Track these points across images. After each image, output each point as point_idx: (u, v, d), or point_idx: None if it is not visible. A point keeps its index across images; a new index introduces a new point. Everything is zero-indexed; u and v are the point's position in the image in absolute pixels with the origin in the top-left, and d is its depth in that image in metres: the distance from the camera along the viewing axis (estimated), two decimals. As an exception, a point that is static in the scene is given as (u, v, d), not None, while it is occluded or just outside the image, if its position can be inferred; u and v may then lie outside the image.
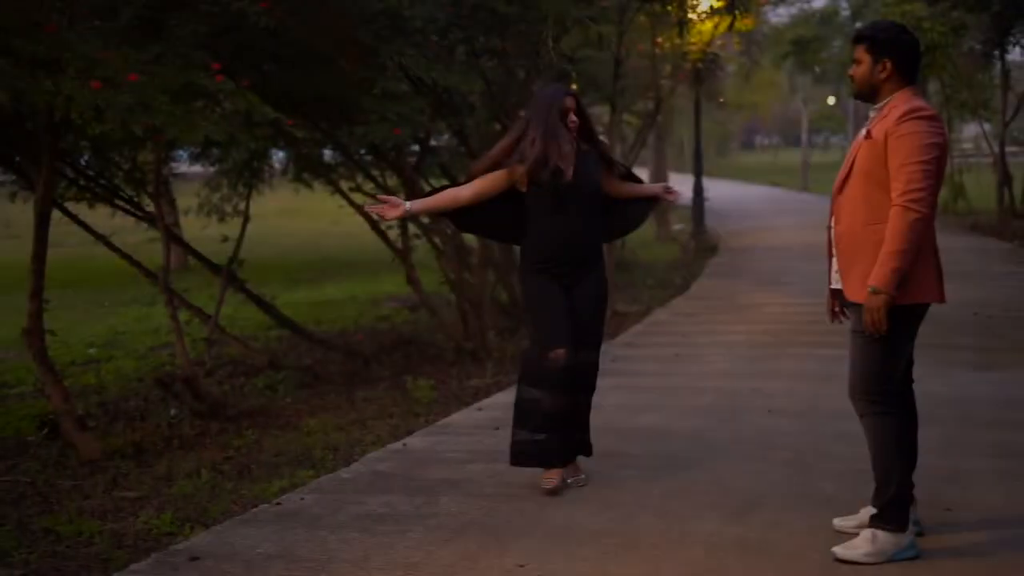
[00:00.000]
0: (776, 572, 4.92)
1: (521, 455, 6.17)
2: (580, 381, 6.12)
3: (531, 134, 5.99)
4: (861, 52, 5.07)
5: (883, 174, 4.89)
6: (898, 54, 5.00)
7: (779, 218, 27.00)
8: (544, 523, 5.63)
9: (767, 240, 21.84)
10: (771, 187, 46.26)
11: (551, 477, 6.11)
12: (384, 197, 5.94)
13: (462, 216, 6.33)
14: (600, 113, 18.75)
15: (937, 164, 4.85)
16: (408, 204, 6.03)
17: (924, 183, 4.79)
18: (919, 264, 4.92)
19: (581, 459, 6.34)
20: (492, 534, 5.48)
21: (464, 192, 6.08)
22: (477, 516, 5.77)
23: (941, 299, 5.09)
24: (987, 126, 27.19)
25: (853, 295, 5.00)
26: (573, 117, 6.10)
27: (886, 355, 5.01)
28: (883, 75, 5.02)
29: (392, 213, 5.97)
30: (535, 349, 6.11)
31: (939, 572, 4.89)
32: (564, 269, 6.10)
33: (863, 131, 5.10)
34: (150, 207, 9.93)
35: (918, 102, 4.93)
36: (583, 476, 6.26)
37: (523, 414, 6.12)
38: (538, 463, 6.15)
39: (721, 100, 33.35)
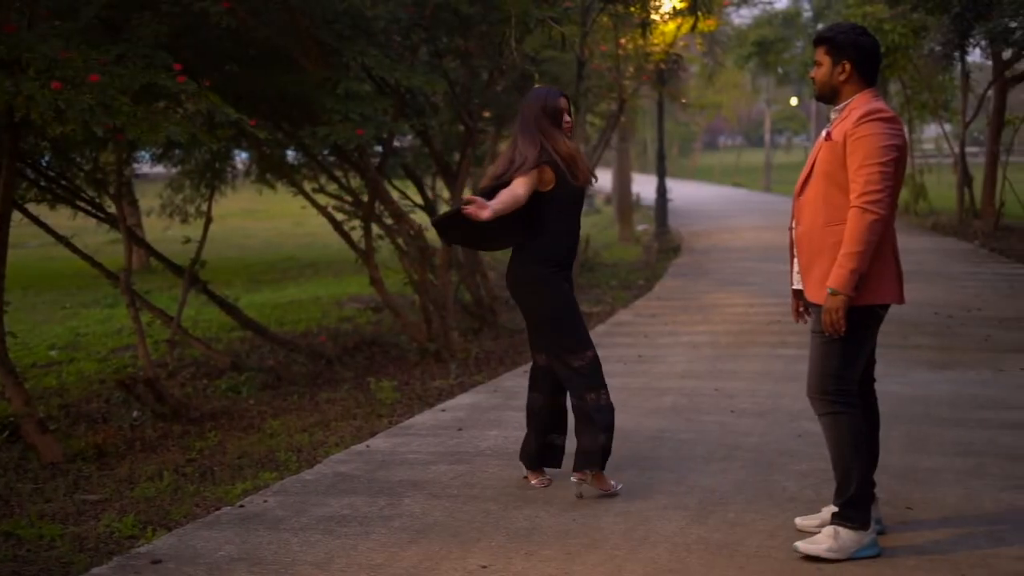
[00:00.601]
0: (738, 571, 4.95)
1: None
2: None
3: (546, 137, 5.98)
4: (821, 54, 5.11)
5: (843, 176, 4.93)
6: (858, 56, 5.04)
7: (742, 218, 27.10)
8: (507, 524, 5.63)
9: (730, 241, 21.93)
10: (734, 188, 46.51)
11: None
12: (471, 197, 5.78)
13: (453, 230, 6.34)
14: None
15: (896, 166, 4.88)
16: (491, 204, 5.76)
17: (882, 185, 4.82)
18: (878, 265, 4.96)
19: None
20: (455, 535, 5.48)
21: (520, 190, 5.89)
22: (440, 517, 5.77)
23: (900, 300, 5.13)
24: (948, 127, 27.39)
25: (813, 296, 5.04)
26: (567, 117, 6.11)
27: (845, 356, 5.05)
28: (843, 77, 5.06)
29: (484, 214, 5.68)
30: (572, 354, 6.04)
31: (899, 569, 4.92)
32: (569, 271, 6.18)
33: (823, 132, 5.14)
34: (112, 208, 9.87)
35: (877, 104, 4.97)
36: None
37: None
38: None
39: (684, 101, 33.41)
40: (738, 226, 24.86)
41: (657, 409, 7.94)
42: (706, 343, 10.71)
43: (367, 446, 7.33)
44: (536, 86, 9.74)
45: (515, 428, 7.57)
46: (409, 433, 7.66)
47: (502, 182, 5.91)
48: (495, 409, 8.26)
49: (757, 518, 5.63)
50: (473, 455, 6.97)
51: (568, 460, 6.19)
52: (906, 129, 28.22)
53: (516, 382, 9.20)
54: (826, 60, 5.09)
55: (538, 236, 6.06)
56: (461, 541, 5.40)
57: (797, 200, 5.21)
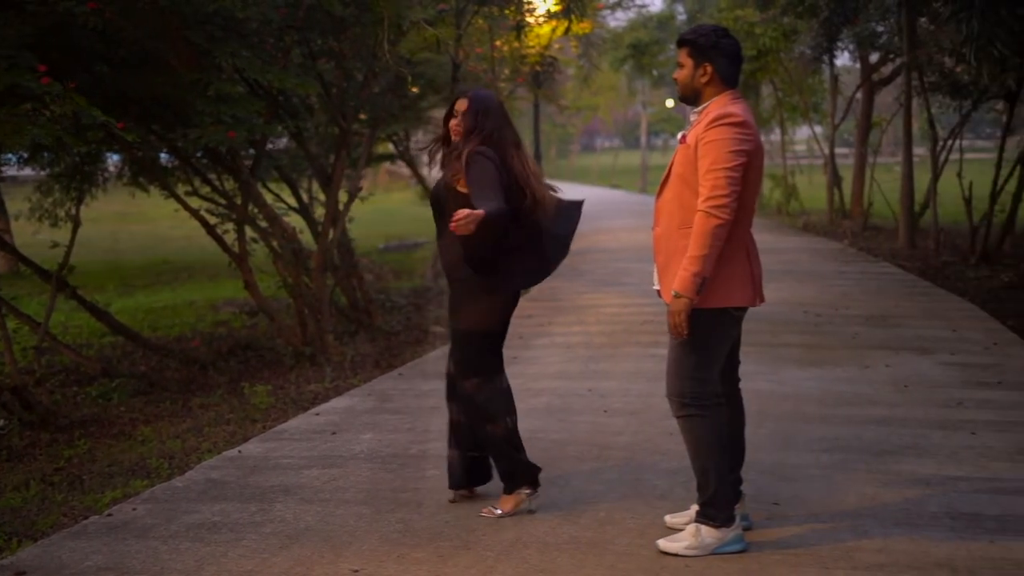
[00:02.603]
0: (607, 570, 5.01)
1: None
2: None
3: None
4: (684, 56, 5.16)
5: (696, 179, 4.99)
6: (718, 58, 5.09)
7: (618, 220, 27.33)
8: (379, 527, 5.63)
9: (606, 242, 22.10)
10: (611, 189, 46.86)
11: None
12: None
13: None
14: (439, 116, 18.79)
15: (744, 171, 4.96)
16: None
17: (727, 190, 4.88)
18: (730, 268, 5.03)
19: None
20: (327, 539, 5.47)
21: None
22: (312, 522, 5.75)
23: (754, 302, 5.21)
24: (818, 129, 27.94)
25: (667, 297, 5.10)
26: (453, 119, 5.85)
27: (699, 358, 5.13)
28: (704, 79, 5.12)
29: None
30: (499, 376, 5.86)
31: (765, 564, 5.03)
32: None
33: (680, 135, 5.21)
34: (-24, 212, 9.67)
35: (732, 108, 5.01)
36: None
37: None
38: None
39: (562, 103, 33.58)
40: (614, 227, 25.06)
41: (531, 410, 7.98)
42: (580, 343, 10.79)
43: (239, 451, 7.27)
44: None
45: (389, 431, 7.58)
46: (282, 438, 7.61)
47: None
48: (370, 412, 8.25)
49: (628, 516, 5.71)
50: (347, 459, 6.95)
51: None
52: (778, 131, 28.77)
53: (391, 385, 9.20)
54: (688, 62, 5.14)
55: (507, 252, 5.76)
56: (333, 545, 5.39)
57: (657, 202, 5.28)
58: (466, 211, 5.16)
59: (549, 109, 36.31)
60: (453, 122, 5.69)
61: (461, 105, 5.68)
